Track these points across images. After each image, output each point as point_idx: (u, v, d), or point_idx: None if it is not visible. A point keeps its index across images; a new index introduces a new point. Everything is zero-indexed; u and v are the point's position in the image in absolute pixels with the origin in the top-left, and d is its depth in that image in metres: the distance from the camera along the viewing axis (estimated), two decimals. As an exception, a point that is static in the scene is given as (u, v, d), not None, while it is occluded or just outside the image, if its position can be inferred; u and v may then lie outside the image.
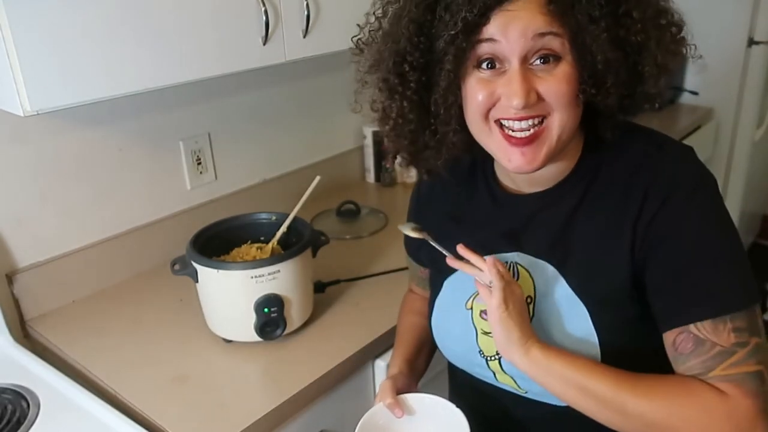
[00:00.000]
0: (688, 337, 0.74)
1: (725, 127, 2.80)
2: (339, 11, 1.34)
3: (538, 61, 0.74)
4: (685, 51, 0.79)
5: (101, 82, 1.02)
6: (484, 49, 0.75)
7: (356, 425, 0.89)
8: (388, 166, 1.94)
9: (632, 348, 0.81)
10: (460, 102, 0.80)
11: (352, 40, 0.86)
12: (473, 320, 0.90)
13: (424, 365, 1.06)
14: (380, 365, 1.23)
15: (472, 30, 0.74)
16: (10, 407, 1.05)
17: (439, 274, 0.97)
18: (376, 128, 1.92)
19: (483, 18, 0.73)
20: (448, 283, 0.95)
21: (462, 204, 0.96)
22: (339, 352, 1.17)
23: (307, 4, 1.26)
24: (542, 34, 0.72)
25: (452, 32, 0.74)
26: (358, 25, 0.86)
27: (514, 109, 0.74)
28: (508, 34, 0.72)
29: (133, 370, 1.15)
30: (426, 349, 1.06)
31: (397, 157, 0.91)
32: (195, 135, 1.54)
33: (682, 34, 0.78)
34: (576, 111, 0.77)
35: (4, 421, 1.01)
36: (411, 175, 1.95)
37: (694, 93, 2.76)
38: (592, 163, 0.84)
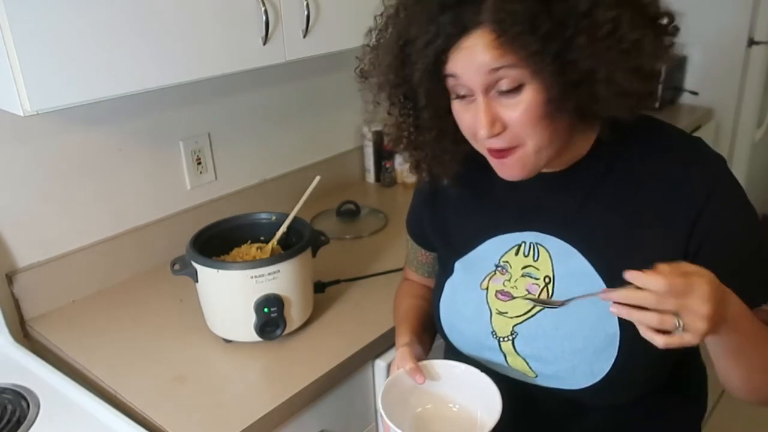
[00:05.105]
0: (759, 312, 0.82)
1: (725, 127, 2.80)
2: (339, 11, 1.34)
3: (504, 87, 0.75)
4: (652, 67, 0.73)
5: (101, 82, 1.02)
6: (450, 82, 0.78)
7: (356, 425, 0.89)
8: (388, 166, 1.94)
9: None
10: (453, 120, 0.83)
11: (355, 71, 0.90)
12: (488, 300, 0.91)
13: (429, 343, 1.05)
14: (380, 365, 1.23)
15: (434, 71, 0.77)
16: (10, 407, 1.05)
17: (450, 254, 0.98)
18: (376, 128, 1.93)
19: (443, 56, 0.75)
20: (460, 264, 0.96)
21: (477, 184, 0.96)
22: (339, 352, 1.17)
23: (307, 4, 1.26)
24: (496, 69, 0.73)
25: (418, 74, 0.77)
26: (357, 58, 0.89)
27: (483, 138, 0.78)
28: (465, 70, 0.75)
29: (133, 370, 1.15)
30: (429, 330, 1.05)
31: (419, 167, 0.93)
32: (195, 135, 1.54)
33: (648, 52, 0.71)
34: (551, 129, 0.77)
35: (4, 421, 1.01)
36: (411, 175, 1.94)
37: (694, 93, 2.75)
38: (610, 147, 0.85)
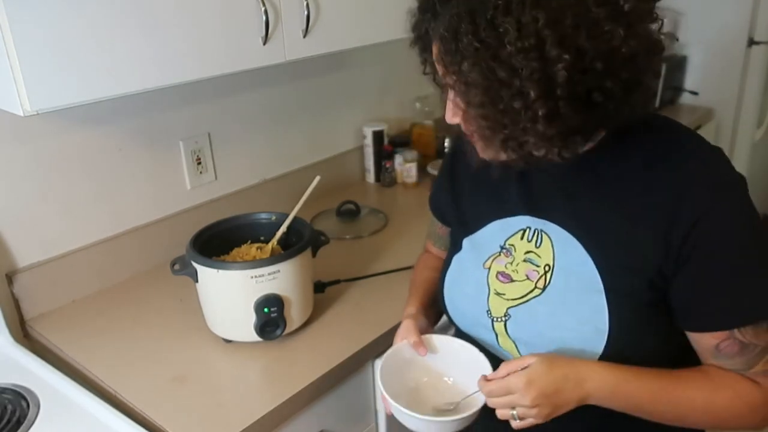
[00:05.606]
0: (733, 342, 0.80)
1: (725, 127, 2.81)
2: (339, 11, 1.34)
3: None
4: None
5: (101, 82, 1.02)
6: None
7: (356, 425, 0.89)
8: (387, 166, 1.94)
9: (639, 331, 0.83)
10: None
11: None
12: (488, 280, 0.93)
13: (435, 317, 1.08)
14: (380, 365, 1.23)
15: (429, 58, 0.82)
16: (10, 407, 1.05)
17: (461, 231, 0.99)
18: (376, 128, 1.93)
19: (430, 49, 0.80)
20: (468, 242, 0.98)
21: (486, 167, 0.95)
22: (339, 352, 1.17)
23: (307, 4, 1.26)
24: (445, 84, 0.77)
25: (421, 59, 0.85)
26: None
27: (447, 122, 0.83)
28: (437, 65, 0.79)
29: (133, 370, 1.15)
30: (437, 304, 1.06)
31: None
32: (195, 135, 1.54)
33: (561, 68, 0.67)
34: (498, 138, 0.76)
35: (4, 421, 1.01)
36: (411, 175, 1.95)
37: (694, 93, 2.76)
38: (621, 143, 0.84)
